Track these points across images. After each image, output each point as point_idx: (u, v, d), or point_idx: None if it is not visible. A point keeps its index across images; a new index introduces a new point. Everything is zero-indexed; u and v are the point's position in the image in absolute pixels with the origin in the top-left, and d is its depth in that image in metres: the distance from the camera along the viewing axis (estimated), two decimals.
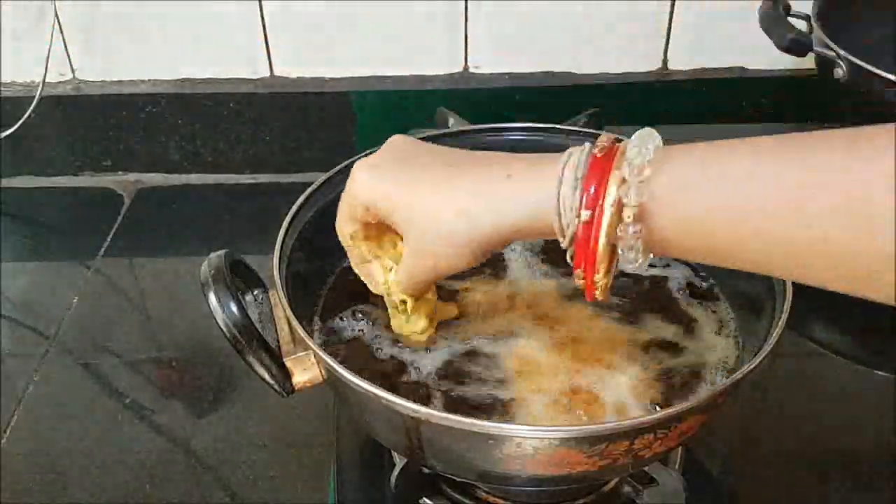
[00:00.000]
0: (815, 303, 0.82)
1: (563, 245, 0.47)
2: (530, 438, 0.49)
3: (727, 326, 0.64)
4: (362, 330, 0.64)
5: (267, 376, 0.56)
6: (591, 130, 0.74)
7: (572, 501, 0.64)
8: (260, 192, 1.06)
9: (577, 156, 0.47)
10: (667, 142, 0.45)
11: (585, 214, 0.45)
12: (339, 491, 0.68)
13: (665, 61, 1.09)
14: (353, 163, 0.69)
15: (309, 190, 0.67)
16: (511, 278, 0.69)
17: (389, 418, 0.53)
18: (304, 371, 0.57)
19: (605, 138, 0.47)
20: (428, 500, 0.64)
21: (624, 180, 0.44)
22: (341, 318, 0.65)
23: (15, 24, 1.03)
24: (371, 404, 0.52)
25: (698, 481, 0.66)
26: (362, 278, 0.60)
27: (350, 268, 0.70)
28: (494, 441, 0.49)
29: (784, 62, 0.98)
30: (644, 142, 0.44)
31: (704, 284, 0.68)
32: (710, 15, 1.05)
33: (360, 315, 0.65)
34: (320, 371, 0.57)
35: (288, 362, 0.57)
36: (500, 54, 1.08)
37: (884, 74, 0.81)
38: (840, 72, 0.85)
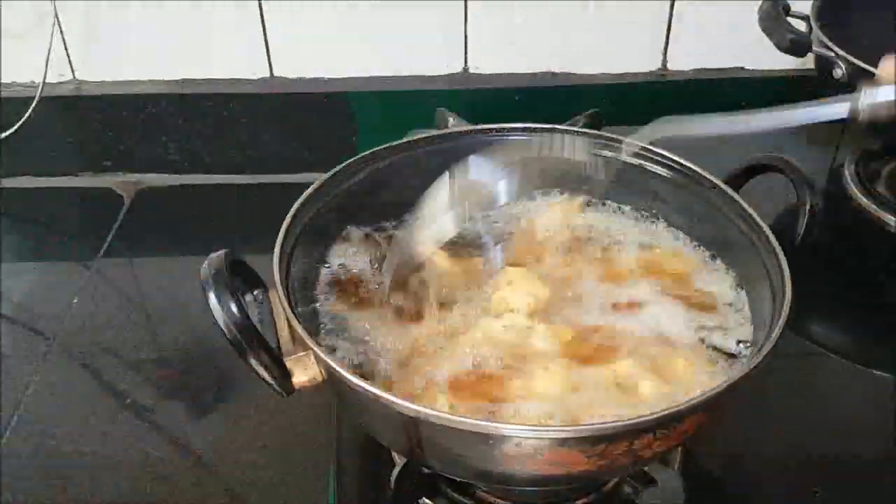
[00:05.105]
0: (814, 303, 0.82)
1: None
2: (530, 438, 0.49)
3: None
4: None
5: (267, 376, 0.56)
6: (590, 131, 0.74)
7: (572, 501, 0.64)
8: (260, 192, 1.06)
9: None
10: None
11: None
12: (339, 491, 0.68)
13: (665, 61, 1.09)
14: (351, 163, 0.70)
15: (309, 190, 0.67)
16: None
17: (389, 418, 0.53)
18: (304, 371, 0.57)
19: None
20: (428, 500, 0.64)
21: None
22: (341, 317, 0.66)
23: (15, 24, 1.03)
24: (371, 404, 0.52)
25: (698, 481, 0.66)
26: None
27: (348, 266, 0.70)
28: (494, 441, 0.49)
29: (784, 62, 0.98)
30: None
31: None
32: (710, 15, 1.05)
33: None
34: (320, 371, 0.57)
35: (288, 362, 0.57)
36: (500, 54, 1.08)
37: None
38: (839, 72, 0.85)
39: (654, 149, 0.71)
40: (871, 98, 0.60)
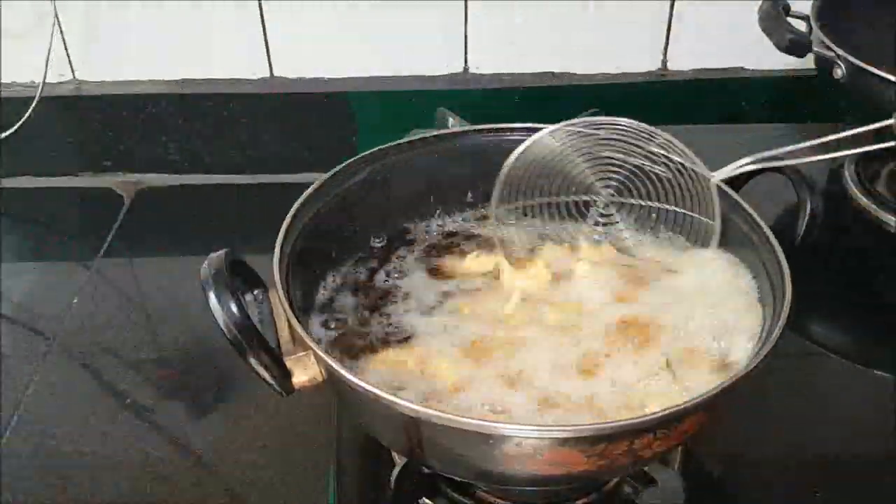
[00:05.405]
0: (814, 303, 0.82)
1: None
2: (530, 438, 0.49)
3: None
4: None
5: (267, 376, 0.56)
6: (590, 131, 0.74)
7: (572, 501, 0.64)
8: (260, 192, 1.06)
9: None
10: None
11: None
12: (339, 491, 0.68)
13: (665, 61, 1.09)
14: (351, 163, 0.70)
15: (309, 190, 0.67)
16: None
17: (389, 418, 0.53)
18: (304, 371, 0.57)
19: None
20: (428, 500, 0.64)
21: None
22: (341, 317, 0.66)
23: (15, 24, 1.03)
24: (371, 404, 0.52)
25: (698, 481, 0.66)
26: None
27: (350, 267, 0.70)
28: (494, 441, 0.49)
29: (784, 62, 0.98)
30: None
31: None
32: (710, 15, 1.05)
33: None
34: (320, 371, 0.57)
35: (288, 362, 0.57)
36: (500, 54, 1.08)
37: (884, 74, 0.81)
38: (840, 72, 0.85)
39: (654, 149, 0.71)
40: None
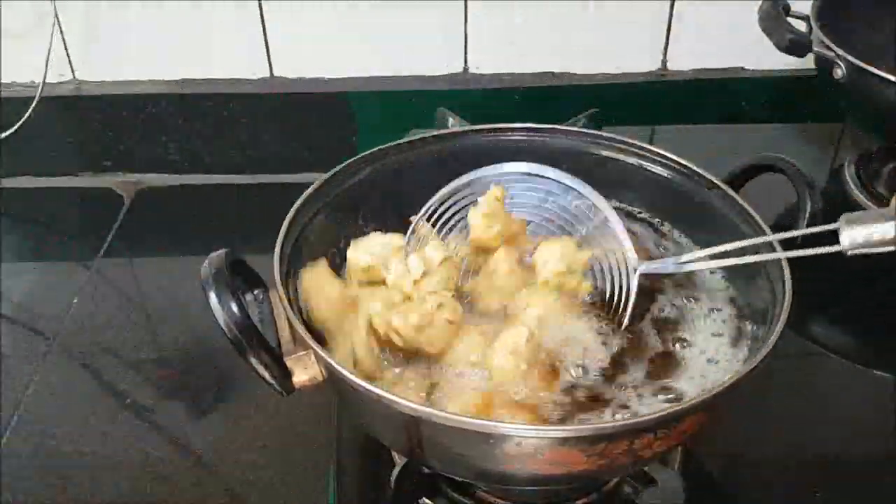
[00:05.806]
0: (815, 303, 0.82)
1: None
2: (530, 438, 0.49)
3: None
4: None
5: (267, 376, 0.56)
6: (590, 131, 0.74)
7: (572, 501, 0.64)
8: (260, 192, 1.06)
9: None
10: None
11: None
12: (339, 491, 0.68)
13: (665, 61, 1.09)
14: (351, 163, 0.70)
15: (309, 190, 0.67)
16: None
17: (390, 418, 0.53)
18: (304, 371, 0.57)
19: None
20: (428, 500, 0.64)
21: None
22: None
23: (15, 24, 1.03)
24: (371, 404, 0.52)
25: (698, 481, 0.66)
26: None
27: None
28: (494, 440, 0.49)
29: (784, 62, 0.98)
30: None
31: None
32: (710, 15, 1.05)
33: None
34: (320, 370, 0.57)
35: (288, 362, 0.57)
36: (500, 54, 1.08)
37: (883, 74, 0.81)
38: (840, 72, 0.85)
39: (654, 149, 0.71)
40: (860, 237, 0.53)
